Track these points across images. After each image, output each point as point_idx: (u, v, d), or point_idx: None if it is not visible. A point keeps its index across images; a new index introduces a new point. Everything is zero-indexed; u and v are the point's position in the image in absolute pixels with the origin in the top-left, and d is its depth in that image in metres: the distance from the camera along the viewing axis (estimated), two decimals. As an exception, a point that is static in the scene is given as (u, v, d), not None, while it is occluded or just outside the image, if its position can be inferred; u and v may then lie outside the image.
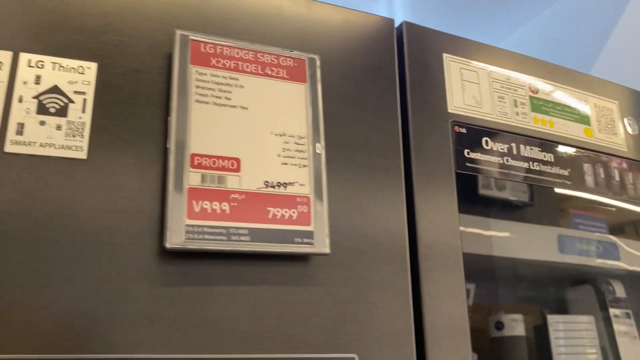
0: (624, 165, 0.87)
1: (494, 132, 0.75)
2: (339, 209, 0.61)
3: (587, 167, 0.83)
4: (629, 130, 0.90)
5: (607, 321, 0.78)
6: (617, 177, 0.85)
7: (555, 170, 0.79)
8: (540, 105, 0.81)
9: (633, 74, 1.08)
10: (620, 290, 0.79)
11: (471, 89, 0.75)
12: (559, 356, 0.71)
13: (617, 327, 0.78)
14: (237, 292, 0.54)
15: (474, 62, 0.77)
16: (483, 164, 0.73)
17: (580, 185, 0.81)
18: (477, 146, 0.73)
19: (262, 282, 0.55)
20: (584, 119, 0.85)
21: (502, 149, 0.75)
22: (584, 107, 0.86)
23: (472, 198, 0.72)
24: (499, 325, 0.63)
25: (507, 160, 0.75)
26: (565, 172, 0.80)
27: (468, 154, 0.72)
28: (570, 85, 0.86)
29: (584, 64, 1.23)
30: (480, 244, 0.70)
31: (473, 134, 0.73)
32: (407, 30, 0.73)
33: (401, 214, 0.64)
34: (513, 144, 0.77)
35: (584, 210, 0.83)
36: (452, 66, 0.75)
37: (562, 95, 0.84)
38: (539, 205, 0.80)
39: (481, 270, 0.71)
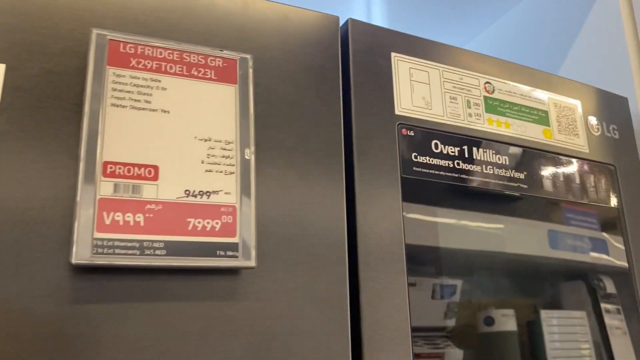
0: (585, 167, 0.84)
1: (444, 135, 0.73)
2: (274, 217, 0.58)
3: (545, 169, 0.80)
4: (593, 130, 0.87)
5: (599, 317, 0.76)
6: (577, 180, 0.83)
7: (510, 173, 0.76)
8: (495, 106, 0.78)
9: (601, 74, 1.05)
10: (610, 286, 0.79)
11: (421, 90, 0.72)
12: (553, 351, 0.68)
13: (609, 322, 0.77)
14: (154, 309, 0.51)
15: (425, 62, 0.74)
16: (432, 168, 0.70)
17: (538, 188, 0.78)
18: (426, 149, 0.70)
19: (183, 298, 0.52)
20: (542, 120, 0.82)
21: (452, 152, 0.73)
22: (543, 107, 0.83)
23: (457, 188, 0.70)
24: (489, 321, 0.61)
25: (459, 164, 0.72)
26: (521, 175, 0.77)
27: (416, 157, 0.69)
28: (529, 84, 0.83)
29: (552, 62, 1.21)
30: (453, 237, 0.67)
31: (422, 137, 0.71)
32: (353, 28, 0.71)
33: (341, 222, 0.61)
34: (465, 147, 0.74)
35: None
36: (401, 66, 0.72)
37: (519, 95, 0.81)
38: (531, 199, 0.78)
39: (469, 265, 0.68)
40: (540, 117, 0.82)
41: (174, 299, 0.52)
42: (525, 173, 0.78)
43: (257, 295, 0.55)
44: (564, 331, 0.71)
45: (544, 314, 0.71)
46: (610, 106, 0.92)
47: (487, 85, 0.78)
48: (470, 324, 0.63)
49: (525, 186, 0.77)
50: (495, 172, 0.75)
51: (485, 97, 0.78)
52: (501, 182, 0.75)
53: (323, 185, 0.62)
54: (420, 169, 0.69)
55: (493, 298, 0.67)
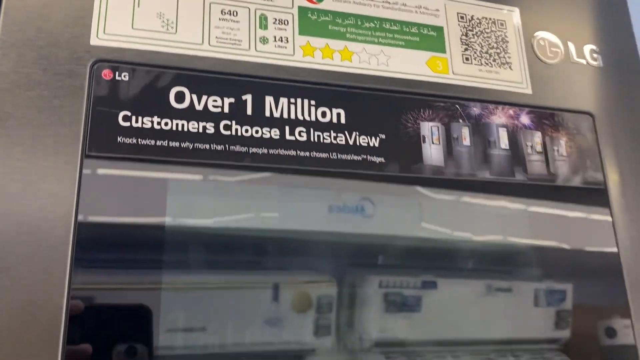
0: (524, 119, 0.50)
1: (201, 77, 0.43)
2: None
3: (428, 128, 0.47)
4: (545, 55, 0.53)
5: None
6: (503, 144, 0.49)
7: (344, 139, 0.45)
8: (321, 23, 0.47)
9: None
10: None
11: (155, 1, 0.44)
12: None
13: None
14: None
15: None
16: (164, 136, 0.41)
17: (411, 162, 0.46)
18: (154, 105, 0.42)
19: None
20: (428, 42, 0.50)
21: (216, 106, 0.43)
22: (431, 21, 0.50)
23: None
24: (611, 332, 0.52)
25: (229, 128, 0.43)
26: (374, 142, 0.46)
27: (128, 119, 0.41)
28: (405, -16, 0.51)
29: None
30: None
31: (148, 83, 0.42)
32: None
33: None
34: (248, 97, 0.44)
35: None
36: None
37: (381, 3, 0.49)
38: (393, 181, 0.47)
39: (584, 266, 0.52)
40: (425, 37, 0.50)
41: None
42: (383, 135, 0.46)
43: None
44: None
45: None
46: (590, 12, 0.57)
47: (309, -12, 0.48)
48: (592, 334, 0.51)
49: (379, 160, 0.45)
50: (315, 139, 0.44)
51: (303, 10, 0.47)
52: (325, 154, 0.44)
53: None
54: (134, 141, 0.40)
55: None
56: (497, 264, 0.50)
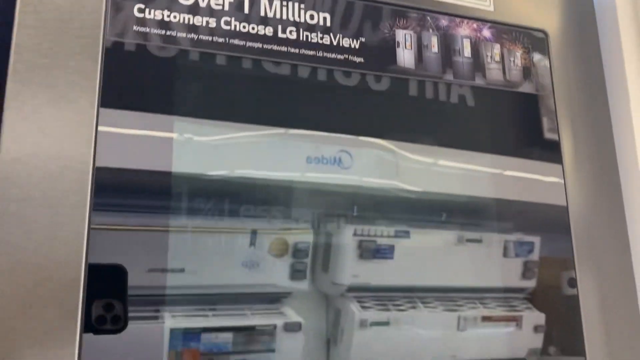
0: (486, 33, 0.57)
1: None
2: None
3: (402, 35, 0.54)
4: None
5: None
6: (466, 53, 0.56)
7: (329, 39, 0.52)
8: None
9: None
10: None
11: None
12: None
13: None
14: None
15: None
16: (173, 27, 0.47)
17: (387, 63, 0.53)
18: (164, 0, 0.47)
19: None
20: (405, -40, 0.56)
21: (218, 4, 0.49)
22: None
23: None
24: (573, 282, 0.56)
25: (230, 23, 0.49)
26: (355, 44, 0.52)
27: (142, 11, 0.46)
28: None
29: None
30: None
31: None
32: None
33: None
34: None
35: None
36: None
37: None
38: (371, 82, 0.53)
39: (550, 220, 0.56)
40: (402, -45, 0.56)
41: None
42: (363, 39, 0.53)
43: None
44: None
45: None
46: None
47: None
48: (555, 285, 0.55)
49: (358, 60, 0.52)
50: (303, 39, 0.51)
51: None
52: (311, 52, 0.51)
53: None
54: (147, 30, 0.46)
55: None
56: (469, 215, 0.54)
